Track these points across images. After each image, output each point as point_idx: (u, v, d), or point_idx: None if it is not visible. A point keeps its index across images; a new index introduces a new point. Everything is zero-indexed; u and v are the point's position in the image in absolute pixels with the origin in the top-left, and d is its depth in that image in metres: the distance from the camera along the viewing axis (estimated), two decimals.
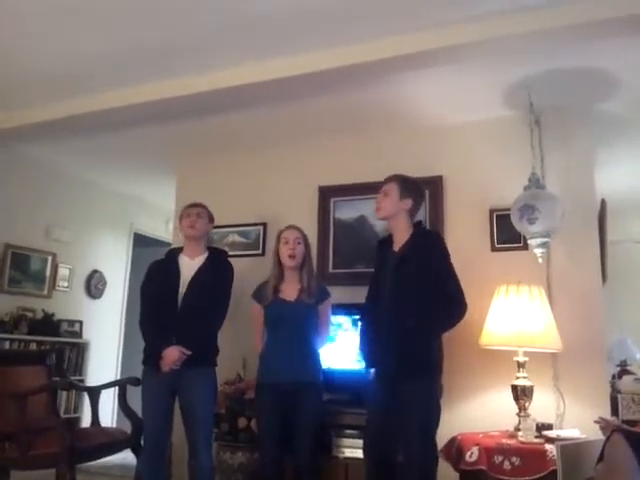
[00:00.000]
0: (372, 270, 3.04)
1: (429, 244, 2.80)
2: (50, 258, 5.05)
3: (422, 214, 3.71)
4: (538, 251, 3.17)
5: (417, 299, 2.67)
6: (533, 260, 3.22)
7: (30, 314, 4.75)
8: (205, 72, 3.34)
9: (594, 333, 3.18)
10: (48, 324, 4.81)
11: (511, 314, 2.96)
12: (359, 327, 3.00)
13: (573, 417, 3.08)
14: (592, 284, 3.28)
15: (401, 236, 2.86)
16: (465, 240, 3.60)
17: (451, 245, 3.58)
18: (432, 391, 2.70)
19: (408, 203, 2.86)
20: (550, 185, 3.29)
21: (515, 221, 3.20)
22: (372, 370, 2.85)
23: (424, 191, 3.15)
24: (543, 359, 3.14)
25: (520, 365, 2.95)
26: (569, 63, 3.05)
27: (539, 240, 3.15)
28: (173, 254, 3.36)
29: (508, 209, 3.26)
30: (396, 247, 2.86)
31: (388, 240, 2.96)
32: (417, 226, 2.91)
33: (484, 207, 3.59)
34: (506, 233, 3.46)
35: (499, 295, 3.05)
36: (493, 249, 3.54)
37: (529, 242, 3.22)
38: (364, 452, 2.84)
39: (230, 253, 3.74)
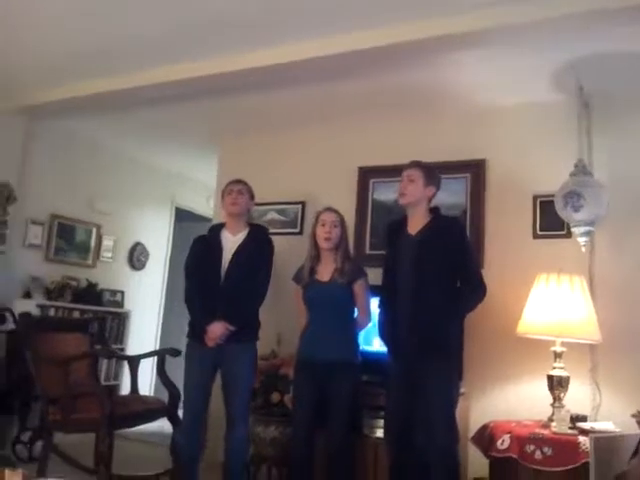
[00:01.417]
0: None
1: (449, 228, 2.87)
2: (95, 229, 5.20)
3: (462, 198, 3.69)
4: (582, 240, 3.10)
5: (438, 282, 2.74)
6: (576, 249, 3.15)
7: (74, 283, 4.91)
8: (248, 50, 3.33)
9: (635, 326, 3.10)
10: (91, 293, 4.96)
11: (550, 303, 2.90)
12: (379, 311, 3.00)
13: (609, 410, 3.03)
14: (636, 276, 3.19)
15: (419, 221, 2.90)
16: (506, 226, 3.55)
17: (491, 230, 3.58)
18: (452, 373, 2.78)
19: (432, 190, 2.93)
20: (597, 172, 3.19)
21: (559, 208, 3.13)
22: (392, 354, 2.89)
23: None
24: (581, 350, 3.08)
25: (557, 355, 2.90)
26: (620, 46, 2.93)
27: (583, 228, 3.07)
28: (216, 230, 3.40)
29: (552, 195, 3.18)
30: (412, 231, 2.89)
31: (400, 223, 2.98)
32: (435, 211, 2.95)
33: (527, 193, 3.51)
34: (549, 220, 3.38)
35: (539, 284, 2.99)
36: (535, 236, 3.47)
37: (573, 230, 3.15)
38: (385, 433, 2.91)
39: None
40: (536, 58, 3.11)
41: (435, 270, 2.75)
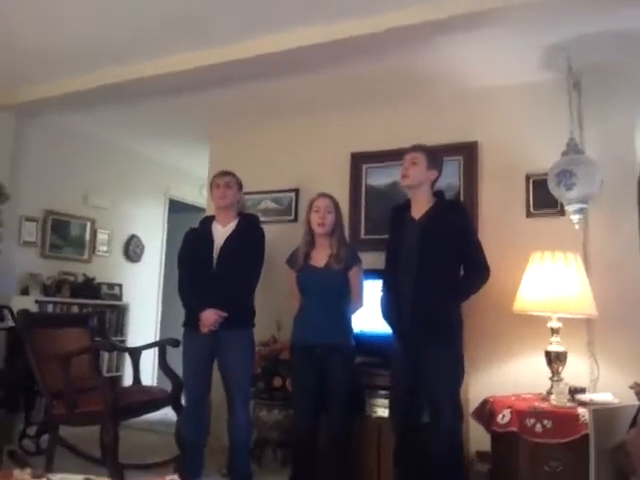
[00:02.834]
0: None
1: (452, 212, 2.91)
2: (89, 224, 5.19)
3: (455, 179, 3.72)
4: (575, 218, 3.13)
5: (441, 265, 2.78)
6: (570, 227, 3.19)
7: (72, 278, 4.91)
8: (238, 40, 3.33)
9: (630, 300, 3.15)
10: (89, 287, 4.96)
11: (545, 280, 2.94)
12: (382, 294, 3.04)
13: (607, 383, 3.07)
14: (630, 251, 3.22)
15: (422, 205, 2.93)
16: (500, 206, 3.58)
17: (485, 211, 3.61)
18: (455, 351, 2.83)
19: (434, 174, 2.96)
20: (589, 150, 3.22)
21: (552, 187, 3.15)
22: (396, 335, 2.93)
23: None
24: (577, 325, 3.13)
25: (554, 331, 2.95)
26: (609, 25, 2.94)
27: (576, 206, 3.10)
28: (206, 222, 3.48)
29: (545, 175, 3.21)
30: (416, 215, 2.93)
31: (404, 207, 3.02)
32: (439, 195, 2.99)
33: (520, 173, 3.53)
34: (542, 199, 3.41)
35: (534, 262, 3.03)
36: (529, 215, 3.50)
37: (566, 208, 3.18)
38: (390, 414, 2.96)
39: (263, 219, 3.83)
40: (525, 39, 3.12)
41: (438, 253, 2.79)
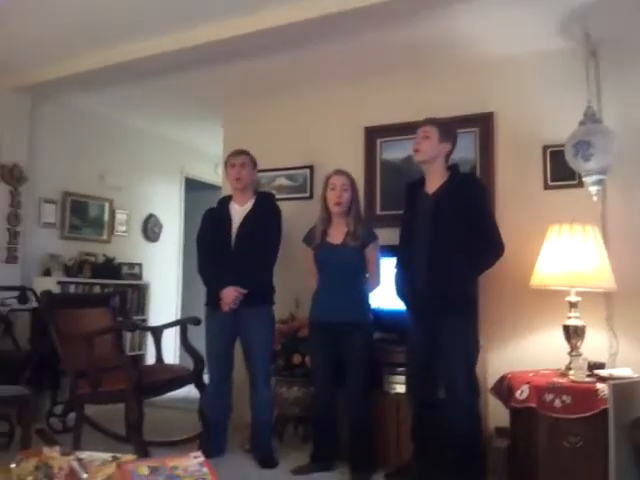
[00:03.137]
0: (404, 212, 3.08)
1: (466, 186, 2.87)
2: (107, 204, 5.24)
3: (472, 151, 3.66)
4: (593, 189, 3.08)
5: (453, 240, 2.75)
6: (588, 199, 3.13)
7: (92, 258, 4.99)
8: (248, 13, 3.28)
9: None
10: (110, 267, 5.03)
11: (563, 254, 2.90)
12: (395, 270, 3.04)
13: (626, 357, 3.05)
14: None
15: (436, 179, 2.90)
16: (517, 178, 3.53)
17: (502, 183, 3.57)
18: (470, 326, 2.82)
19: (447, 147, 2.92)
20: (607, 119, 3.14)
21: (569, 158, 3.09)
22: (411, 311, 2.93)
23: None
24: (596, 299, 3.10)
25: (572, 305, 2.92)
26: None
27: (594, 177, 3.04)
28: (224, 202, 3.52)
29: (562, 145, 3.15)
30: (430, 190, 2.90)
31: (419, 183, 2.99)
32: (453, 169, 2.94)
33: (537, 144, 3.47)
34: (560, 170, 3.35)
35: (551, 235, 2.99)
36: (546, 187, 3.45)
37: (584, 180, 3.12)
38: (407, 389, 2.99)
39: (278, 196, 3.83)
40: (541, 6, 3.03)
41: (450, 228, 2.76)
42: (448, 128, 2.95)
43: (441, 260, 2.76)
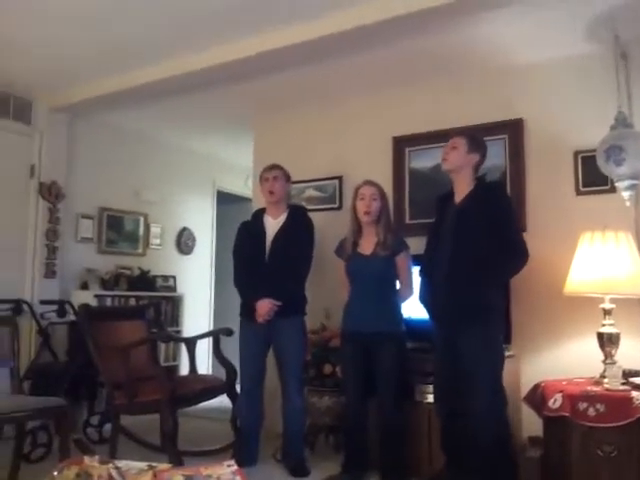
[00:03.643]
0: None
1: (490, 195, 2.87)
2: (142, 218, 5.37)
3: (502, 158, 3.64)
4: (626, 194, 3.02)
5: (474, 250, 2.74)
6: (620, 204, 3.08)
7: (128, 272, 5.11)
8: (279, 29, 3.33)
9: None
10: (145, 280, 5.14)
11: (596, 261, 2.86)
12: (420, 280, 3.05)
13: None
14: None
15: (463, 189, 2.91)
16: (548, 184, 3.50)
17: (533, 190, 3.54)
18: (492, 335, 2.79)
19: (475, 158, 2.92)
20: (638, 123, 3.09)
21: (601, 163, 3.05)
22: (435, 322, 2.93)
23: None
24: (631, 306, 3.03)
25: (606, 312, 2.87)
26: None
27: (627, 182, 2.99)
28: (258, 215, 3.60)
29: (593, 150, 3.10)
30: (457, 200, 2.92)
31: (449, 195, 3.00)
32: (480, 179, 2.95)
33: (568, 149, 3.43)
34: (592, 176, 3.30)
35: (584, 242, 2.95)
36: (578, 193, 3.41)
37: (617, 185, 3.07)
38: (434, 399, 2.98)
39: (308, 208, 3.87)
40: (568, 10, 3.01)
41: (473, 237, 2.76)
42: (477, 139, 2.97)
43: (461, 269, 2.75)
